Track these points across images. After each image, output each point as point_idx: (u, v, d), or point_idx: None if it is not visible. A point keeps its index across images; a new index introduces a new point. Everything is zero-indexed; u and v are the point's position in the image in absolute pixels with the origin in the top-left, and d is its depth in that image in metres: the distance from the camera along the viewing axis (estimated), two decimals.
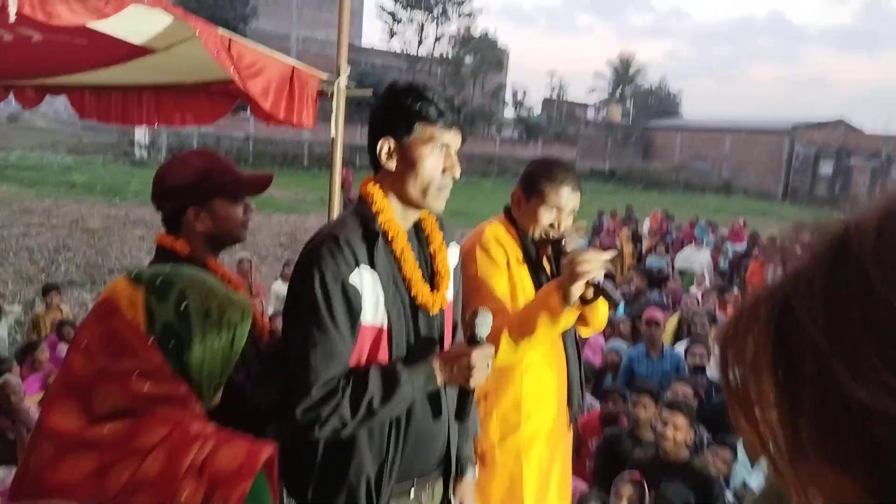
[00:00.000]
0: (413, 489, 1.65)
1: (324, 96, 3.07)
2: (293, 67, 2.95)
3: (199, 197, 1.79)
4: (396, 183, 1.60)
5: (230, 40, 2.73)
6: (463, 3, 37.98)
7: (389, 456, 1.56)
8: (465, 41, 38.16)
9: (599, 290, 1.85)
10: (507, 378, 2.07)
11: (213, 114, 3.71)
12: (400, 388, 1.50)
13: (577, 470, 3.23)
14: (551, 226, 2.10)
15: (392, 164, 1.58)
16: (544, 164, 2.18)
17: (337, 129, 3.00)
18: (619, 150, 40.78)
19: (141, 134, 25.93)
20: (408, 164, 1.57)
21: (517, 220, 2.16)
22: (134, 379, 1.00)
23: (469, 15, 38.51)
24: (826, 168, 36.17)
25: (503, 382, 2.07)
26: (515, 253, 2.11)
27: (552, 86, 48.40)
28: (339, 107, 3.01)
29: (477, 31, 39.13)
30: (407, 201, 1.61)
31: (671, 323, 6.13)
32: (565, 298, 1.83)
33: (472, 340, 1.61)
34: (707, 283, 8.78)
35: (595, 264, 1.80)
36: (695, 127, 43.30)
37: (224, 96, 3.59)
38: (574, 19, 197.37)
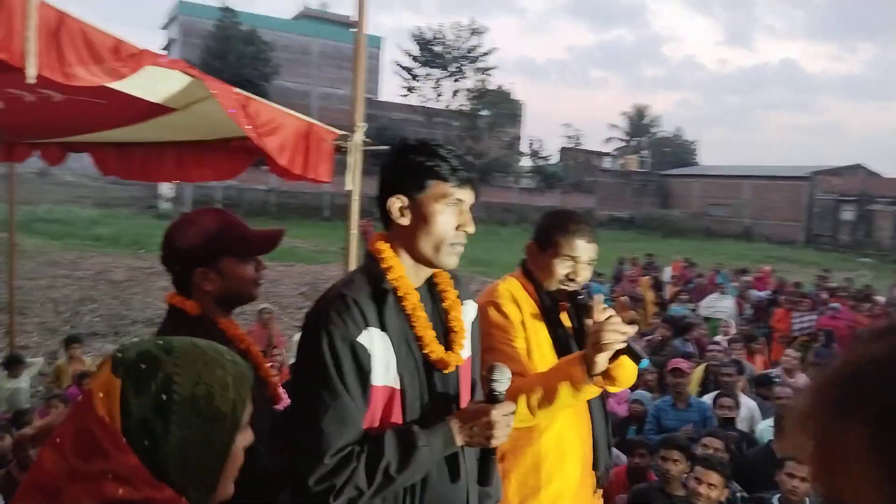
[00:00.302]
0: None
1: (341, 151, 3.08)
2: (309, 124, 2.99)
3: (206, 257, 1.75)
4: (408, 240, 1.56)
5: (247, 98, 2.76)
6: (477, 59, 38.75)
7: None
8: (481, 95, 38.77)
9: (624, 350, 1.78)
10: (526, 438, 1.99)
11: (232, 169, 3.76)
12: (418, 453, 1.43)
13: None
14: (568, 278, 2.05)
15: (405, 221, 1.55)
16: (557, 215, 2.16)
17: (354, 183, 3.00)
18: (637, 199, 40.81)
19: (166, 187, 26.47)
20: (421, 220, 1.54)
21: (533, 273, 2.12)
22: (107, 483, 0.89)
23: (484, 70, 39.27)
24: (847, 213, 35.81)
25: (521, 443, 1.99)
26: (531, 308, 2.06)
27: (568, 135, 48.81)
28: (355, 162, 3.02)
29: (492, 86, 39.86)
30: (419, 258, 1.57)
31: (697, 373, 5.98)
32: (590, 369, 1.76)
33: (491, 397, 1.55)
34: (733, 330, 8.60)
35: (619, 335, 1.73)
36: (712, 174, 43.29)
37: (243, 152, 3.63)
38: (587, 73, 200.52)
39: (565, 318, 2.14)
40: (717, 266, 14.76)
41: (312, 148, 2.94)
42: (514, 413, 1.57)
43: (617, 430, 4.76)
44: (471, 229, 1.56)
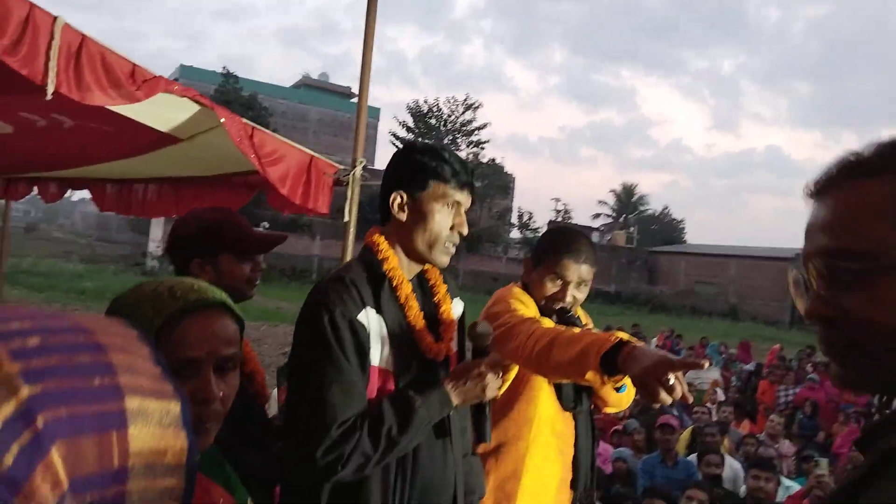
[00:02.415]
0: None
1: (339, 185, 3.18)
2: (311, 156, 3.10)
3: (204, 250, 1.84)
4: (404, 235, 1.63)
5: (253, 129, 2.88)
6: (471, 133, 39.74)
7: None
8: (474, 167, 39.53)
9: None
10: (511, 445, 2.00)
11: (232, 204, 3.83)
12: (416, 415, 1.47)
13: None
14: (556, 297, 2.06)
15: (403, 216, 1.62)
16: (554, 233, 2.17)
17: (351, 215, 3.09)
18: (624, 274, 41.13)
19: (154, 245, 26.47)
20: (418, 217, 1.61)
21: (529, 287, 2.14)
22: None
23: (477, 143, 40.22)
24: None
25: (505, 449, 2.00)
26: (535, 314, 2.06)
27: (557, 209, 49.65)
28: (353, 194, 3.11)
29: (484, 159, 40.75)
30: (412, 254, 1.64)
31: (685, 435, 5.96)
32: (614, 372, 1.52)
33: (478, 353, 1.60)
34: (719, 397, 8.61)
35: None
36: (699, 252, 43.89)
37: (243, 187, 3.73)
38: (577, 151, 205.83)
39: None
40: (704, 340, 14.86)
41: (313, 180, 3.05)
42: (502, 365, 1.60)
43: (602, 487, 4.71)
44: (465, 230, 1.63)
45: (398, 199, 1.63)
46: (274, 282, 23.79)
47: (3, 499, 0.42)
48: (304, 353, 1.52)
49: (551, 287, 2.06)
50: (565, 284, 2.05)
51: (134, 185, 4.33)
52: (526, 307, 2.00)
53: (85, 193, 5.23)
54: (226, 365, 0.96)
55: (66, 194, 5.20)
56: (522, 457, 1.99)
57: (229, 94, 33.79)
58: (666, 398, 1.33)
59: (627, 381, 1.63)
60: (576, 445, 2.12)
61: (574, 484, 2.12)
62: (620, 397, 2.09)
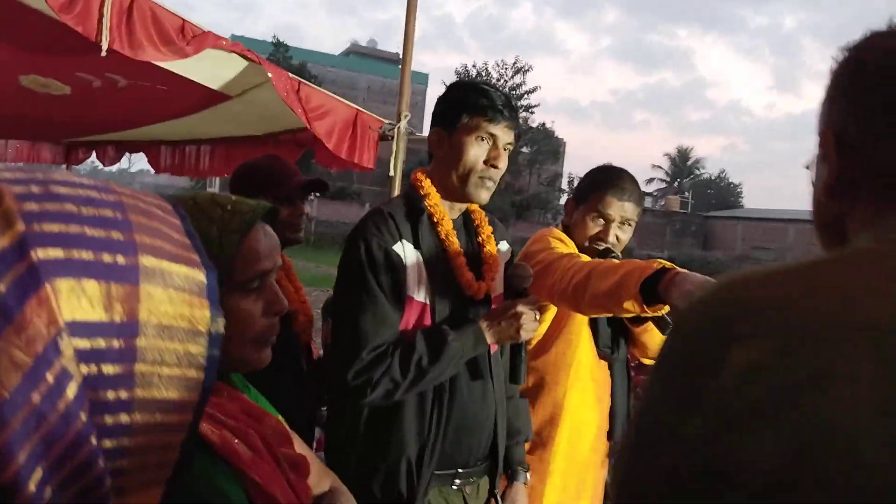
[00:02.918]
0: (458, 480, 1.59)
1: (385, 139, 3.19)
2: (357, 111, 3.11)
3: (241, 193, 1.87)
4: (441, 171, 1.62)
5: (300, 83, 2.90)
6: (521, 97, 39.22)
7: (431, 438, 1.52)
8: (523, 132, 39.16)
9: (657, 319, 1.69)
10: (549, 390, 1.97)
11: None
12: (448, 347, 1.48)
13: None
14: (598, 237, 1.97)
15: (440, 154, 1.62)
16: (598, 171, 2.09)
17: (396, 169, 3.10)
18: (678, 239, 40.32)
19: None
20: (453, 152, 1.58)
21: (570, 229, 2.06)
22: None
23: (527, 108, 39.67)
24: None
25: (543, 392, 1.97)
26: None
27: None
28: (398, 149, 3.12)
29: (534, 123, 40.23)
30: (451, 190, 1.62)
31: None
32: (653, 300, 1.46)
33: (517, 293, 1.59)
34: None
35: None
36: (756, 217, 42.65)
37: (292, 145, 3.78)
38: (630, 116, 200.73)
39: None
40: None
41: (359, 134, 3.07)
42: (539, 306, 1.59)
43: None
44: (502, 164, 1.59)
45: (436, 136, 1.63)
46: (325, 248, 24.14)
47: None
48: (342, 283, 1.56)
49: (594, 227, 1.97)
50: (608, 223, 1.96)
51: (187, 147, 4.44)
52: (566, 246, 1.94)
53: (143, 164, 5.38)
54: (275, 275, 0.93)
55: (125, 165, 5.39)
56: (560, 402, 1.96)
57: (280, 63, 34.06)
58: None
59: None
60: (612, 395, 2.07)
61: (611, 434, 2.07)
62: (656, 345, 2.03)
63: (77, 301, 0.45)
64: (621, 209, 1.96)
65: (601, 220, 1.97)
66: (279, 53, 34.76)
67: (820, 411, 0.45)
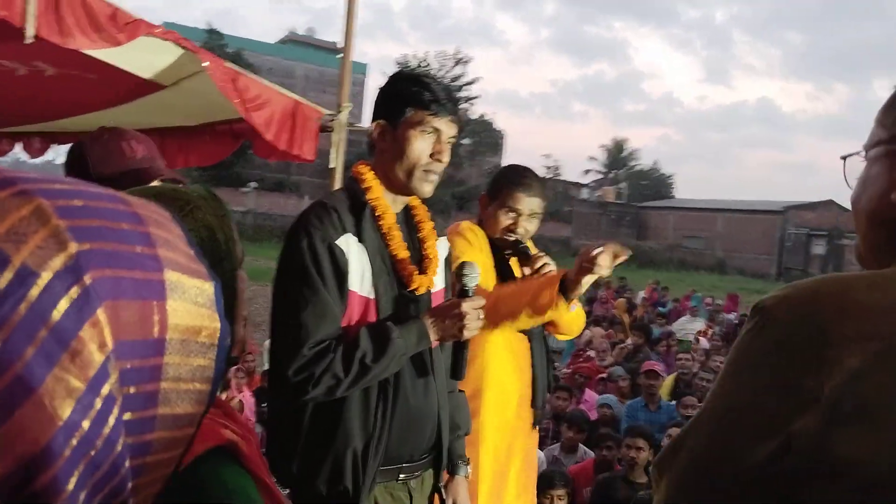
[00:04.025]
0: (402, 474, 1.62)
1: (325, 131, 3.18)
2: (296, 102, 3.08)
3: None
4: (386, 165, 1.63)
5: (237, 73, 2.86)
6: (461, 88, 39.30)
7: (377, 432, 1.53)
8: (464, 124, 39.19)
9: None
10: (470, 367, 2.06)
11: (217, 154, 3.83)
12: (392, 344, 1.49)
13: None
14: (509, 229, 2.19)
15: (383, 146, 1.64)
16: (508, 169, 2.32)
17: (337, 161, 3.10)
18: (613, 229, 41.28)
19: None
20: (396, 146, 1.60)
21: (483, 223, 2.27)
22: None
23: (467, 99, 39.78)
24: (819, 248, 36.58)
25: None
26: (485, 247, 2.20)
27: (547, 166, 49.49)
28: (339, 140, 3.12)
29: (475, 115, 40.39)
30: (395, 183, 1.64)
31: (668, 381, 6.10)
32: (570, 291, 1.96)
33: (461, 293, 1.64)
34: (703, 345, 8.80)
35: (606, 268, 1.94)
36: (687, 206, 44.08)
37: (228, 136, 3.71)
38: (569, 107, 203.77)
39: (517, 270, 2.24)
40: (689, 292, 15.08)
41: (298, 125, 3.04)
42: (483, 307, 1.64)
43: (587, 430, 4.83)
44: (445, 158, 1.61)
45: (378, 129, 1.63)
46: (263, 242, 23.76)
47: (52, 353, 0.41)
48: (282, 277, 1.56)
49: (505, 220, 2.20)
50: (518, 216, 2.19)
51: None
52: (469, 243, 2.13)
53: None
54: None
55: (51, 157, 5.15)
56: (481, 375, 2.11)
57: (214, 51, 32.71)
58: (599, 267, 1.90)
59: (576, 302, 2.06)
60: (532, 366, 2.25)
61: (534, 402, 2.25)
62: (571, 320, 2.20)
63: (121, 322, 0.44)
64: (529, 203, 2.20)
65: (511, 213, 2.20)
66: (213, 41, 33.75)
67: None
